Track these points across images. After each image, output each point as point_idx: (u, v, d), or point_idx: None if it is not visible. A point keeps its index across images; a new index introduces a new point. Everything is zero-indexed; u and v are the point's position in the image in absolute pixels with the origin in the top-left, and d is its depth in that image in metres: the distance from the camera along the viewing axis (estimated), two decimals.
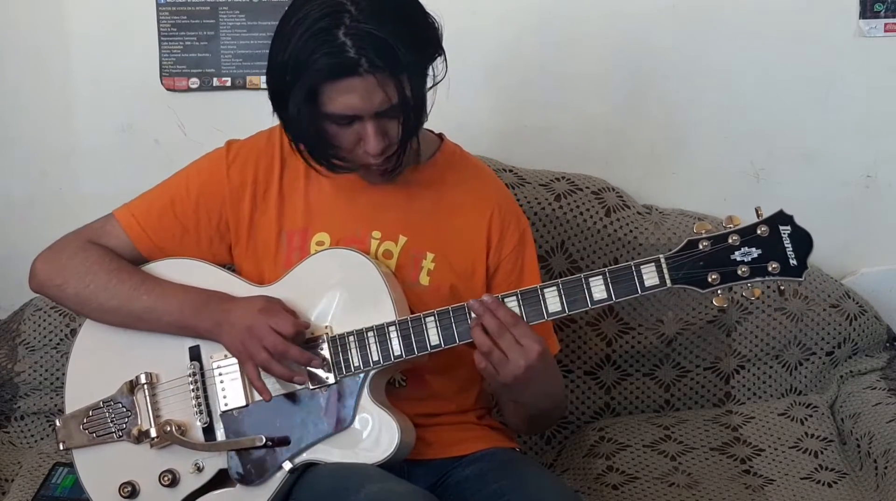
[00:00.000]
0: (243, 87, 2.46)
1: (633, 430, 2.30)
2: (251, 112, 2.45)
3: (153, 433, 1.81)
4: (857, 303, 2.38)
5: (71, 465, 2.13)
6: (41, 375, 2.31)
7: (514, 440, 1.99)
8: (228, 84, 2.46)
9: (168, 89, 2.46)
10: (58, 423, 1.89)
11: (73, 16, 2.43)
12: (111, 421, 1.85)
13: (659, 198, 2.46)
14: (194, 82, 2.46)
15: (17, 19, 2.44)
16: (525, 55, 2.44)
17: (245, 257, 1.88)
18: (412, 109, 1.67)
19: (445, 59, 1.75)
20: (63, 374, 2.27)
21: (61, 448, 1.89)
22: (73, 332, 2.29)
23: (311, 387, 1.75)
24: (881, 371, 2.35)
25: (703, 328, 2.34)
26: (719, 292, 1.65)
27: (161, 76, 2.46)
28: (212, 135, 2.45)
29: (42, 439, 2.31)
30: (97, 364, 1.89)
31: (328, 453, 1.75)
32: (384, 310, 1.74)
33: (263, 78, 2.42)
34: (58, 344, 2.31)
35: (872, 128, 2.48)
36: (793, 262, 1.63)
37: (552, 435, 2.35)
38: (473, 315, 1.69)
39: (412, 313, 1.76)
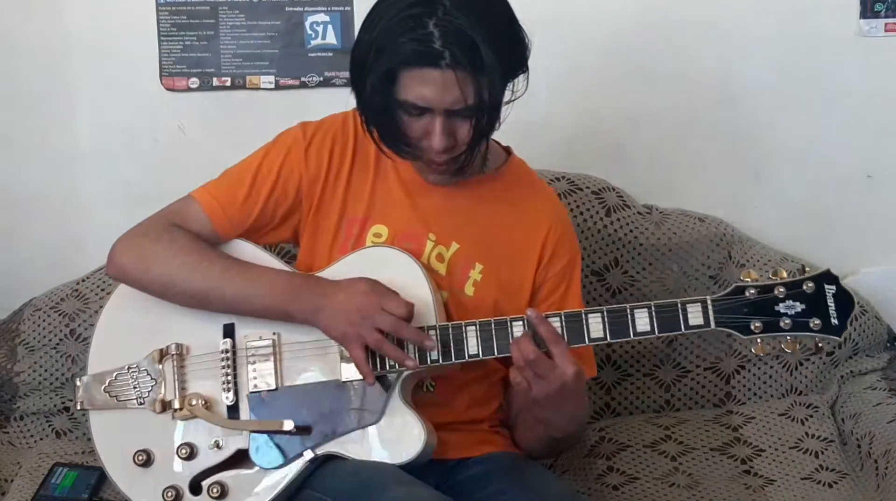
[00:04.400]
0: (243, 87, 2.46)
1: (634, 430, 2.30)
2: (251, 112, 2.47)
3: (177, 404, 1.81)
4: (858, 303, 2.37)
5: (70, 465, 2.15)
6: (41, 375, 2.30)
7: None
8: (228, 84, 2.46)
9: (168, 89, 2.46)
10: (78, 382, 1.88)
11: (72, 16, 2.43)
12: (134, 387, 1.84)
13: (659, 198, 2.46)
14: (194, 82, 2.46)
15: (17, 20, 2.43)
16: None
17: (304, 235, 1.88)
18: (486, 113, 1.67)
19: (527, 77, 1.75)
20: (62, 374, 2.28)
21: (79, 407, 1.87)
22: (73, 332, 2.28)
23: (343, 380, 1.75)
24: (881, 371, 2.34)
25: None
26: (759, 340, 1.67)
27: (161, 76, 2.46)
28: (212, 135, 2.46)
29: (42, 439, 2.31)
30: (126, 329, 1.88)
31: (351, 447, 1.75)
32: (426, 315, 1.74)
33: (263, 78, 2.45)
34: (57, 344, 2.30)
35: (872, 128, 2.48)
36: (834, 321, 1.66)
37: None
38: (516, 332, 1.69)
39: (452, 321, 1.76)
